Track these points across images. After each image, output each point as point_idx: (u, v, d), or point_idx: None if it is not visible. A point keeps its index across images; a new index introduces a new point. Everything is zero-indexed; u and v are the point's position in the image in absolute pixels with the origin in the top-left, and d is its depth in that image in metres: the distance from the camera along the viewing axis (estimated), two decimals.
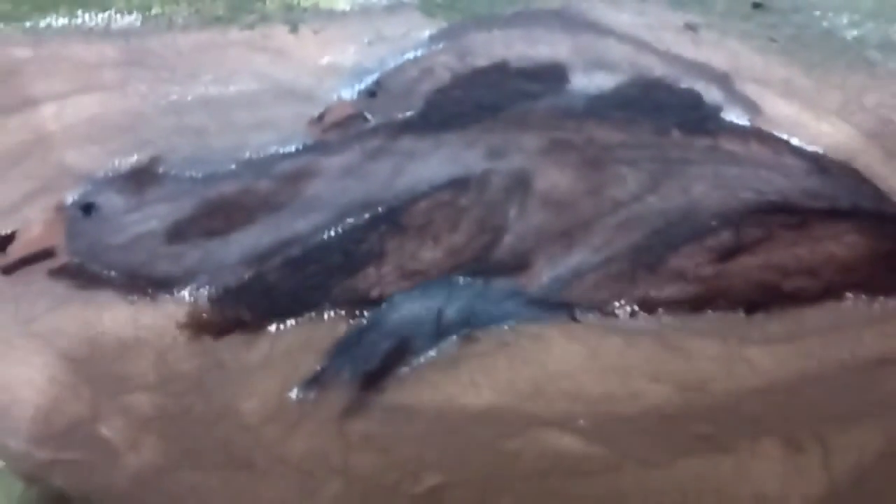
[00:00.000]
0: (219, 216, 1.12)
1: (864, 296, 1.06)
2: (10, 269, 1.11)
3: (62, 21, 1.18)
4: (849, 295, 1.06)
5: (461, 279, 1.09)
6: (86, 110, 1.15)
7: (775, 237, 1.07)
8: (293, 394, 1.08)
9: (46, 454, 1.06)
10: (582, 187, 1.08)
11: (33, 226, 1.12)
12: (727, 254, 1.06)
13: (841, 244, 1.08)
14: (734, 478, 1.00)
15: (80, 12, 1.19)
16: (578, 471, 1.01)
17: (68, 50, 1.17)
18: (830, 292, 1.05)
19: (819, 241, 1.07)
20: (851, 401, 1.02)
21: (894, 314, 1.05)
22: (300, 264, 1.11)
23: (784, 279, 1.06)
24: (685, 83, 1.12)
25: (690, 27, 1.13)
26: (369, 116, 1.10)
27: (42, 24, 1.18)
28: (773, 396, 1.04)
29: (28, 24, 1.18)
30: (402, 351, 1.08)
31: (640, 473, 1.02)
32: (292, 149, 1.10)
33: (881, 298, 1.06)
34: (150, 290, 1.11)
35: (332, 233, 1.10)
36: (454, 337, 1.07)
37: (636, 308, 1.07)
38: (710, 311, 1.06)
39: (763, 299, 1.06)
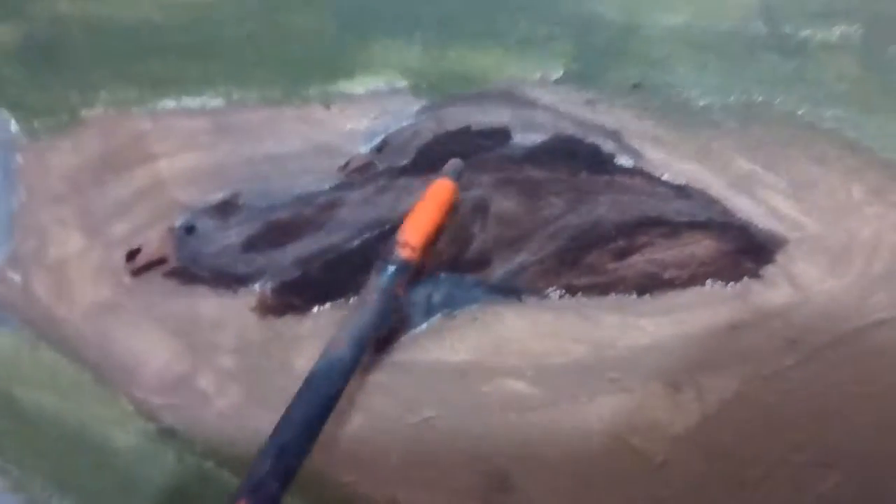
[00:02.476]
0: (277, 233, 1.05)
1: (718, 282, 1.00)
2: (137, 273, 1.03)
3: (172, 104, 1.10)
4: (708, 281, 0.99)
5: (442, 274, 1.01)
6: (188, 163, 1.08)
7: (655, 242, 1.00)
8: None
9: (161, 400, 0.98)
10: (523, 210, 1.01)
11: (153, 242, 1.04)
12: (623, 254, 0.99)
13: (700, 246, 1.01)
14: (635, 410, 0.92)
15: (183, 97, 1.12)
16: (527, 406, 0.93)
17: (176, 122, 1.10)
18: (695, 279, 0.97)
19: (685, 244, 1.01)
20: (714, 355, 0.95)
21: (739, 295, 0.97)
22: (333, 265, 1.03)
23: (663, 271, 0.99)
24: (589, 139, 1.04)
25: (590, 101, 1.04)
26: (379, 164, 1.05)
27: (159, 105, 1.10)
28: (660, 352, 0.95)
29: (149, 106, 1.10)
30: (402, 324, 1.02)
31: (571, 407, 0.93)
32: (327, 187, 1.03)
33: (730, 283, 0.99)
34: (231, 285, 1.03)
35: (355, 243, 1.04)
36: (439, 315, 1.00)
37: (563, 292, 1.00)
38: (613, 294, 0.99)
39: (649, 285, 0.98)
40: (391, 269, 0.89)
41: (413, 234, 0.90)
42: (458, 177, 0.97)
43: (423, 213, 0.92)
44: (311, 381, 0.79)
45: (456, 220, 0.96)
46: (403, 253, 0.89)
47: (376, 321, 0.87)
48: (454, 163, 0.98)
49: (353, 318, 0.86)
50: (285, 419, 0.77)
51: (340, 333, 0.82)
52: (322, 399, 0.77)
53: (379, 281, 0.89)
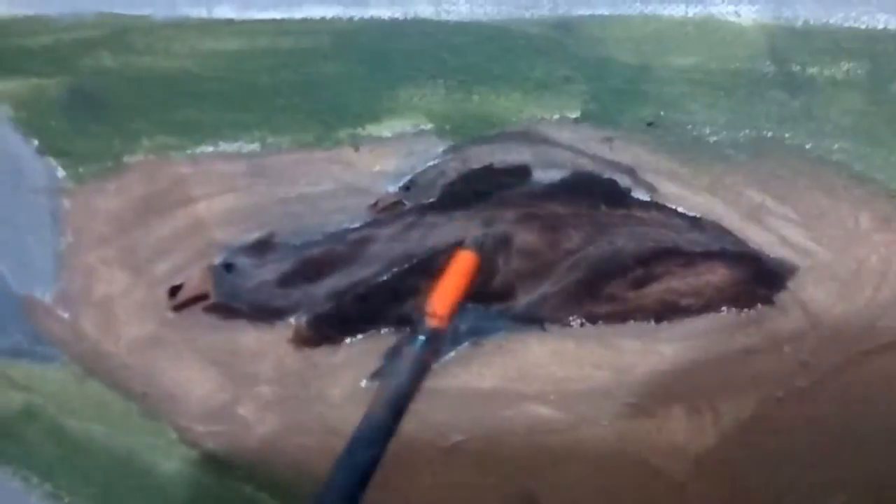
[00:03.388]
0: (311, 269, 1.06)
1: (732, 308, 1.00)
2: (179, 308, 1.04)
3: (210, 148, 1.11)
4: (723, 308, 0.99)
5: (470, 305, 1.03)
6: (226, 204, 1.09)
7: (672, 272, 1.00)
8: (363, 383, 1.00)
9: (203, 427, 0.99)
10: (544, 243, 1.02)
11: (193, 279, 1.06)
12: (641, 284, 1.00)
13: (715, 275, 1.01)
14: (655, 432, 0.92)
15: (220, 143, 1.13)
16: (550, 429, 0.94)
17: (214, 166, 1.11)
18: (710, 307, 0.98)
19: (701, 273, 1.01)
20: (731, 379, 0.95)
21: (753, 321, 0.98)
22: (365, 298, 1.03)
23: (679, 299, 0.99)
24: (606, 175, 1.04)
25: (608, 139, 1.05)
26: (406, 203, 1.05)
27: (197, 150, 1.11)
28: (678, 377, 0.96)
29: (188, 151, 1.11)
30: (433, 353, 1.03)
31: (592, 430, 0.94)
32: (357, 225, 1.04)
33: (744, 310, 1.00)
34: (269, 318, 1.04)
35: (385, 277, 1.05)
36: (466, 343, 1.01)
37: (583, 320, 1.00)
38: (632, 321, 1.00)
39: (666, 313, 0.99)
40: (422, 339, 0.93)
41: (440, 305, 0.93)
42: (479, 249, 1.00)
43: (448, 284, 0.95)
44: (351, 446, 0.81)
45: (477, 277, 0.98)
46: (432, 322, 0.93)
47: (410, 388, 0.89)
48: (475, 236, 1.01)
49: (389, 385, 0.89)
50: (329, 484, 0.79)
51: (378, 400, 0.85)
52: (363, 464, 0.79)
53: (411, 350, 0.92)
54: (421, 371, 0.89)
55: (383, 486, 0.88)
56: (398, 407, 0.84)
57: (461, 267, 0.95)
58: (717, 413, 0.88)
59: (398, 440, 0.95)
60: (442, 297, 0.92)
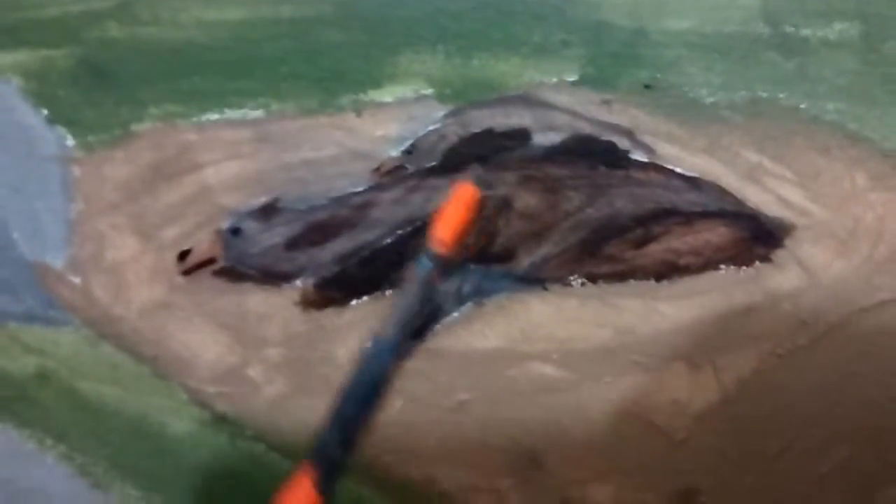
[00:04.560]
0: (317, 233, 1.03)
1: (731, 267, 0.97)
2: (188, 272, 1.01)
3: (216, 116, 1.08)
4: (722, 267, 0.96)
5: (472, 266, 0.97)
6: (232, 170, 1.06)
7: (671, 231, 0.97)
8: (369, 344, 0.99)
9: (213, 389, 0.96)
10: (544, 205, 0.99)
11: (202, 244, 1.03)
12: (640, 244, 0.97)
13: (714, 234, 0.98)
14: (657, 389, 0.89)
15: (226, 110, 1.10)
16: (554, 388, 0.90)
17: (220, 133, 1.08)
18: (710, 265, 0.95)
19: (699, 232, 0.98)
20: (731, 336, 0.91)
21: (752, 279, 0.95)
22: (369, 261, 1.00)
23: (679, 258, 0.96)
24: (605, 137, 1.01)
25: (606, 101, 1.01)
26: (408, 167, 1.02)
27: (203, 118, 1.08)
28: (679, 335, 0.92)
29: (194, 119, 1.08)
30: (435, 314, 0.95)
31: (595, 388, 0.90)
32: (361, 189, 1.02)
33: (743, 268, 0.97)
34: (276, 282, 1.00)
35: (388, 240, 1.03)
36: (469, 304, 0.98)
37: (584, 280, 0.98)
38: (632, 281, 0.97)
39: (666, 272, 0.96)
40: (427, 262, 0.90)
41: (444, 231, 0.91)
42: (478, 180, 0.97)
43: (450, 213, 0.92)
44: (363, 359, 0.82)
45: (479, 216, 0.95)
46: (437, 247, 0.90)
47: (417, 307, 0.89)
48: (474, 168, 0.99)
49: (397, 305, 0.89)
50: (344, 393, 0.80)
51: (387, 320, 0.87)
52: (375, 375, 0.81)
53: (417, 272, 0.90)
54: (426, 292, 0.87)
55: (389, 444, 0.87)
56: (406, 326, 0.85)
57: (462, 197, 0.94)
58: (718, 370, 0.84)
59: (405, 398, 0.93)
60: (445, 225, 0.89)
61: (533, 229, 0.96)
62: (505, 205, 0.99)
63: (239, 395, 0.96)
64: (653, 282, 0.94)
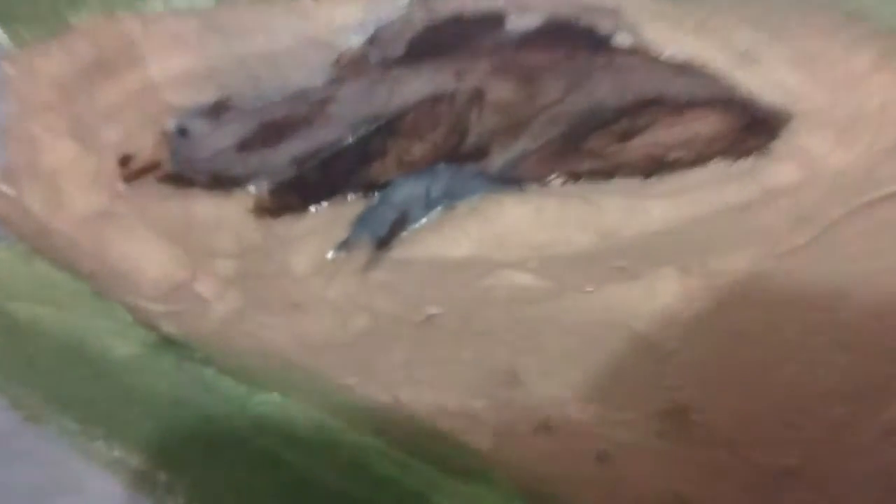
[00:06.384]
0: (271, 133, 0.94)
1: (724, 160, 0.86)
2: (131, 178, 0.91)
3: (160, 5, 0.95)
4: (714, 160, 0.86)
5: (441, 166, 0.87)
6: (179, 65, 0.94)
7: (658, 122, 0.86)
8: (329, 254, 0.86)
9: (158, 307, 0.85)
10: (520, 97, 0.89)
11: (146, 147, 0.92)
12: (625, 137, 0.86)
13: (704, 124, 0.87)
14: (644, 297, 0.79)
15: None
16: (532, 298, 0.80)
17: (166, 24, 0.95)
18: (701, 159, 0.84)
19: (689, 123, 0.87)
20: (724, 236, 0.82)
21: (746, 173, 0.84)
22: (329, 163, 0.92)
23: (667, 152, 0.86)
24: (585, 20, 0.90)
25: None
26: (371, 57, 0.92)
27: (147, 7, 0.95)
28: (668, 237, 0.83)
29: (137, 8, 0.95)
30: (403, 220, 0.86)
31: (576, 297, 0.81)
32: (319, 83, 0.92)
33: (737, 161, 0.86)
34: (226, 187, 0.89)
35: (350, 140, 0.92)
36: (439, 207, 0.87)
37: (564, 178, 0.87)
38: (617, 178, 0.87)
39: (654, 167, 0.86)
40: None
41: None
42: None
43: None
44: None
45: (449, 111, 0.83)
46: None
47: None
48: None
49: None
50: None
51: None
52: None
53: None
54: None
55: (351, 364, 0.76)
56: None
57: None
58: (710, 274, 0.75)
59: (368, 313, 0.79)
60: None
61: (507, 123, 0.85)
62: (476, 97, 0.87)
63: (187, 313, 0.83)
64: (639, 179, 0.83)
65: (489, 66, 0.85)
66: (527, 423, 0.74)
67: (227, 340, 0.81)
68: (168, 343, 0.80)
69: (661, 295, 0.75)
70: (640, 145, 0.82)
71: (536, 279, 0.77)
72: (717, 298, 0.75)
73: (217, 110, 0.89)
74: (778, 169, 0.79)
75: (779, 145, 0.81)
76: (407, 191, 0.83)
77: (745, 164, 0.80)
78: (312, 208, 0.84)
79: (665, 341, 0.73)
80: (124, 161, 0.89)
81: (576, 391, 0.73)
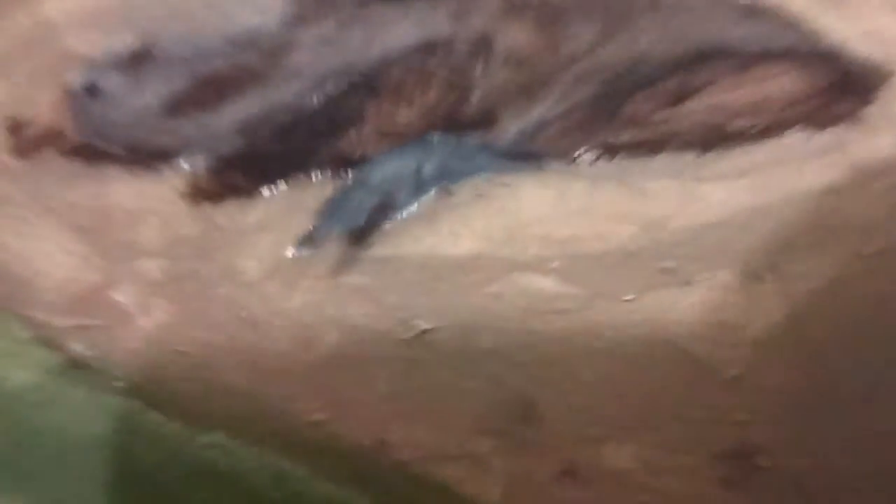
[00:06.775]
0: (210, 90, 0.99)
1: (804, 131, 0.94)
2: (25, 152, 0.97)
3: None
4: (790, 131, 0.93)
5: (435, 137, 0.93)
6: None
7: (718, 81, 0.94)
8: (289, 252, 0.92)
9: (66, 321, 0.91)
10: (540, 45, 0.96)
11: (42, 110, 0.99)
12: (676, 99, 0.94)
13: (780, 84, 0.95)
14: (697, 308, 0.84)
15: None
16: (554, 309, 0.86)
17: None
18: (773, 130, 0.92)
19: (759, 82, 0.95)
20: (801, 231, 0.89)
21: (833, 147, 0.92)
22: (287, 131, 0.97)
23: (729, 120, 0.93)
24: None
25: None
26: None
27: None
28: (728, 230, 0.89)
29: None
30: (385, 207, 0.92)
31: (611, 308, 0.86)
32: (273, 25, 0.99)
33: (819, 133, 0.93)
34: (151, 163, 0.95)
35: (315, 100, 0.99)
36: (432, 191, 0.93)
37: (597, 154, 0.92)
38: (665, 153, 0.94)
39: (712, 140, 0.92)
40: None
41: None
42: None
43: None
44: None
45: (445, 63, 0.90)
46: None
47: None
48: None
49: None
50: None
51: None
52: None
53: None
54: None
55: (322, 394, 0.81)
56: None
57: None
58: (783, 279, 0.81)
59: (341, 328, 0.84)
60: None
61: (523, 81, 0.90)
62: (482, 45, 0.93)
63: (103, 329, 0.88)
64: (693, 154, 0.88)
65: (499, 4, 0.92)
66: (547, 469, 0.78)
67: (155, 364, 0.86)
68: (78, 368, 0.86)
69: (719, 306, 0.81)
70: (694, 111, 0.87)
71: (559, 284, 0.83)
72: (792, 310, 0.80)
73: (137, 61, 0.94)
74: (872, 142, 0.85)
75: (874, 112, 0.87)
76: (391, 169, 0.87)
77: (831, 135, 0.86)
78: (266, 191, 0.89)
79: (727, 364, 0.79)
80: (14, 129, 0.94)
81: (610, 428, 0.78)
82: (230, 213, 0.90)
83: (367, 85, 0.92)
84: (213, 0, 0.97)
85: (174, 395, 0.83)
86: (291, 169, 0.90)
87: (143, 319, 0.87)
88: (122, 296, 0.88)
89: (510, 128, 0.88)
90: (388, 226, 0.88)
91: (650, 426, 0.78)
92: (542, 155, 0.87)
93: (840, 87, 0.86)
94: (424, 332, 0.83)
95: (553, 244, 0.84)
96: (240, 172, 0.90)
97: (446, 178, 0.88)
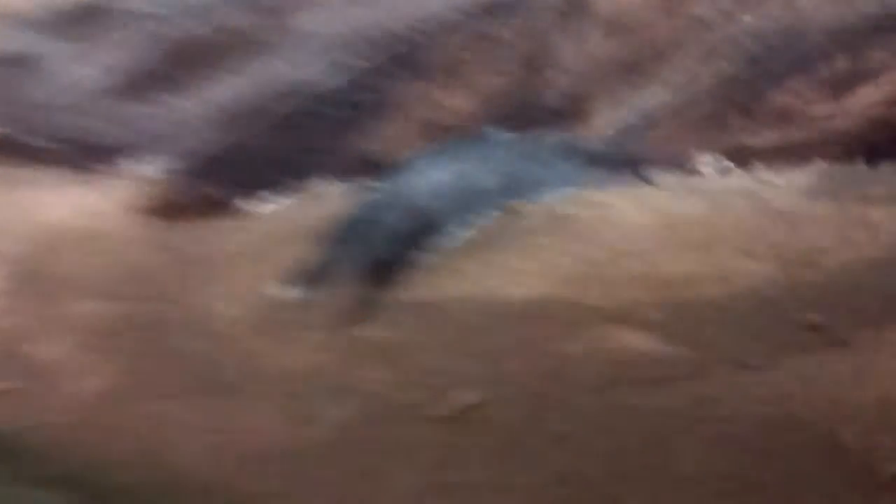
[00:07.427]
0: (185, 64, 1.08)
1: None
2: None
3: None
4: None
5: (500, 135, 1.05)
6: None
7: None
8: (280, 292, 1.02)
9: None
10: (655, 5, 1.02)
11: None
12: (843, 86, 1.00)
13: None
14: (853, 378, 0.94)
15: None
16: (653, 378, 0.96)
17: None
18: None
19: None
20: None
21: None
22: (288, 121, 1.06)
23: None
24: None
25: None
26: None
27: None
28: None
29: None
30: (422, 231, 1.01)
31: (733, 378, 0.95)
32: None
33: None
34: (95, 164, 1.08)
35: (330, 79, 1.06)
36: (491, 211, 1.03)
37: (726, 162, 1.02)
38: (821, 163, 1.02)
39: (890, 145, 1.00)
40: None
41: None
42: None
43: None
44: None
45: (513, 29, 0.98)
46: None
47: None
48: None
49: None
50: None
51: None
52: None
53: None
54: None
55: (326, 492, 0.96)
56: None
57: None
58: None
59: (357, 397, 0.96)
60: None
61: (628, 56, 1.03)
62: (573, 4, 1.05)
63: (21, 395, 1.00)
64: (861, 165, 1.01)
65: None
66: None
67: (93, 446, 0.97)
68: None
69: (885, 374, 0.91)
70: (868, 104, 0.98)
71: (661, 342, 0.93)
72: None
73: (81, 21, 1.08)
74: None
75: None
76: (434, 179, 0.98)
77: None
78: (252, 206, 1.02)
79: (889, 460, 0.89)
80: None
81: None
82: (203, 238, 1.02)
83: (407, 59, 1.02)
84: None
85: (118, 492, 0.97)
86: (290, 175, 1.02)
87: (75, 384, 0.99)
88: (48, 350, 1.01)
89: (605, 123, 1.00)
90: (426, 259, 0.99)
91: None
92: (647, 162, 0.99)
93: None
94: (468, 407, 0.94)
95: (656, 287, 0.95)
96: (217, 179, 1.02)
97: (512, 192, 1.00)
